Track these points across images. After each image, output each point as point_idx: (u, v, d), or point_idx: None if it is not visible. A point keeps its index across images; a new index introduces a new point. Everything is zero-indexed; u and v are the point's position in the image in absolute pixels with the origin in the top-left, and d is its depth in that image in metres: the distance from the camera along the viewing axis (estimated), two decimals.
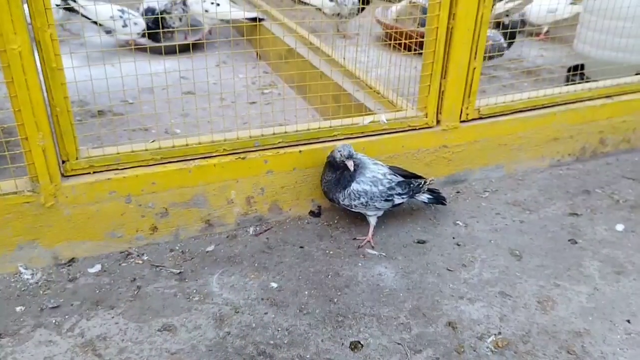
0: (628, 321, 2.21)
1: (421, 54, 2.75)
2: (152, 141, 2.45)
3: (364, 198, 2.49)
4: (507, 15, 5.09)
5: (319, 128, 2.66)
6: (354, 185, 2.48)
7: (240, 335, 2.10)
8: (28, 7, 2.01)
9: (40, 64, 2.10)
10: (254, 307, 2.23)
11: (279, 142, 2.58)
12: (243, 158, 2.52)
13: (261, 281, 2.36)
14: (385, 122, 2.76)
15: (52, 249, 2.38)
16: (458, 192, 2.98)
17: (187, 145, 2.44)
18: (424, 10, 4.34)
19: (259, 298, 2.28)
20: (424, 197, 2.70)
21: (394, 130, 2.79)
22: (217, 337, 2.09)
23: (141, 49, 3.96)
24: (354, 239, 2.62)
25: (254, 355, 2.02)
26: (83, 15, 4.13)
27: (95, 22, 4.14)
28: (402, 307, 2.25)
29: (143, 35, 4.47)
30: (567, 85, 3.34)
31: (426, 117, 2.82)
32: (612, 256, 2.56)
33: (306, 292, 2.31)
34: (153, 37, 4.51)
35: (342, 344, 2.08)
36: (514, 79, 4.22)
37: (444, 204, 2.78)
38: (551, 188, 3.05)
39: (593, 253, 2.58)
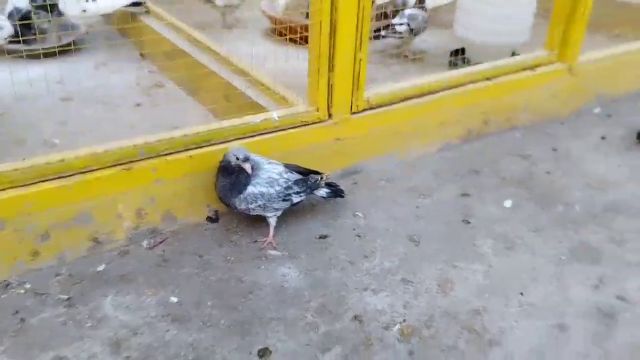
0: (521, 294, 2.33)
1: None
2: (24, 159, 2.23)
3: (261, 201, 2.43)
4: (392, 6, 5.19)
5: (209, 130, 2.56)
6: (250, 189, 2.41)
7: (141, 358, 1.98)
8: None
9: None
10: (154, 325, 2.11)
11: (166, 149, 2.45)
12: (128, 169, 2.37)
13: (159, 297, 2.24)
14: (277, 119, 2.71)
15: None
16: (355, 184, 2.99)
17: (62, 160, 2.25)
18: None
19: (159, 315, 2.16)
20: (322, 191, 2.69)
21: (287, 127, 2.75)
22: None
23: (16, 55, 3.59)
24: (255, 241, 2.56)
25: None
26: None
27: None
28: (308, 306, 2.23)
29: (11, 42, 4.07)
30: (450, 69, 3.46)
31: (318, 112, 2.80)
32: (503, 232, 2.68)
33: (209, 303, 2.22)
34: (24, 41, 4.12)
35: (250, 352, 2.02)
36: (400, 65, 4.31)
37: (342, 197, 2.78)
38: (442, 171, 3.14)
39: (485, 231, 2.69)
